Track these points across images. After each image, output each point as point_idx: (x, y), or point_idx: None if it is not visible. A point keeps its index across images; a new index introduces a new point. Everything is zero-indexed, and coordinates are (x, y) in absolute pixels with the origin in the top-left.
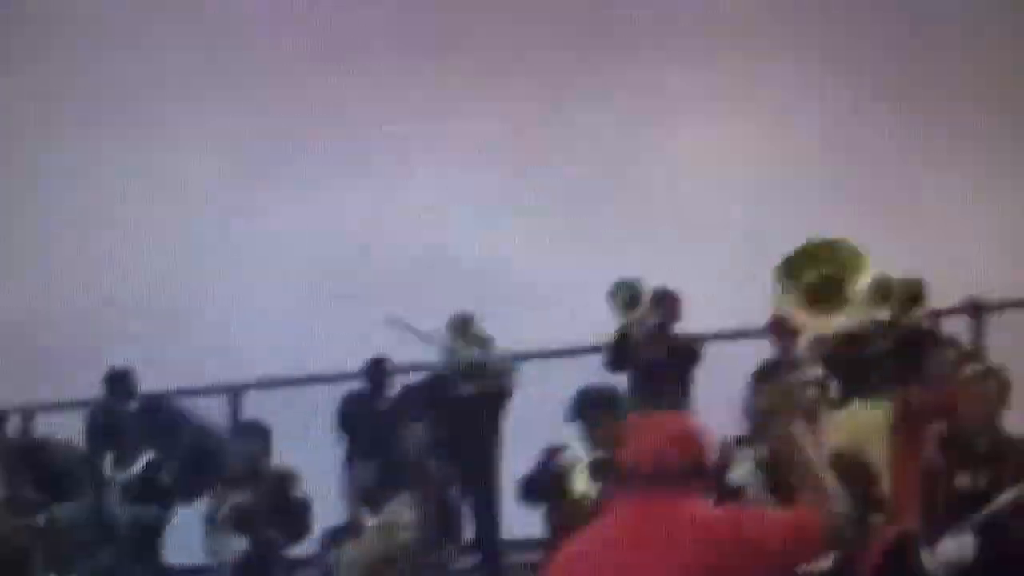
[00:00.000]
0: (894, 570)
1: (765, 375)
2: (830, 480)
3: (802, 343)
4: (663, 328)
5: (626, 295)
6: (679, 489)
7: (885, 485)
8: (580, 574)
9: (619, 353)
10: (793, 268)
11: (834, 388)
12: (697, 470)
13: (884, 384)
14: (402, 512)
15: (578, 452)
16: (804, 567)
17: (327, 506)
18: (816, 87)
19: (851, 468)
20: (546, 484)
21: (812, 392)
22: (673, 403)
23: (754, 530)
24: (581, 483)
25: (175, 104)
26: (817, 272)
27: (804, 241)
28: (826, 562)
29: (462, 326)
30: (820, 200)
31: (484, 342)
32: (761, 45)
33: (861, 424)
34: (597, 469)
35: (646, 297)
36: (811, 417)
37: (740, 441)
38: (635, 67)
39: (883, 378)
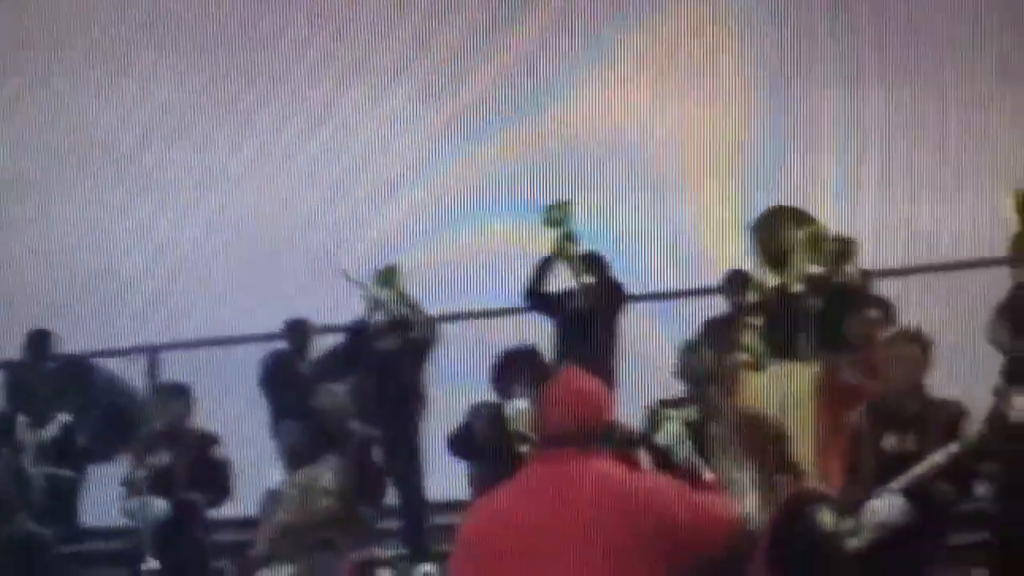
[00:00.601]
0: (792, 529)
1: (705, 335)
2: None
3: (752, 300)
4: (593, 269)
5: (556, 215)
6: (588, 448)
7: (800, 446)
8: (490, 532)
9: (540, 279)
10: (761, 229)
11: (764, 346)
12: (604, 430)
13: (812, 343)
14: (323, 474)
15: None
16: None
17: (251, 468)
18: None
19: (761, 429)
20: (472, 440)
21: (744, 351)
22: (599, 354)
23: (660, 502)
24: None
25: (101, 64)
26: (782, 234)
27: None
28: None
29: (388, 277)
30: (774, 162)
31: (407, 295)
32: None
33: (786, 384)
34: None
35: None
36: (731, 379)
37: (669, 402)
38: None
39: (811, 337)
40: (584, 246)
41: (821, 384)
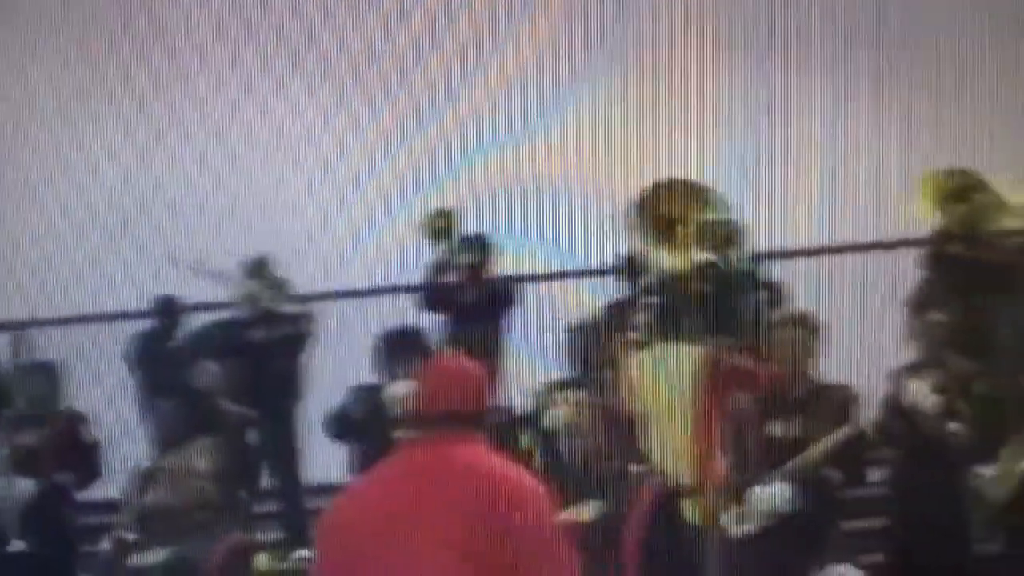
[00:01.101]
0: (660, 523)
1: (601, 318)
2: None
3: (646, 283)
4: (477, 269)
5: (439, 224)
6: (459, 434)
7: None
8: (355, 516)
9: (432, 288)
10: (645, 206)
11: (648, 328)
12: (477, 414)
13: (698, 327)
14: (195, 457)
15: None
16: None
17: (120, 449)
18: None
19: (616, 417)
20: (349, 420)
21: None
22: (488, 347)
23: (518, 499)
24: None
25: None
26: (668, 209)
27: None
28: (591, 513)
29: (258, 268)
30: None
31: (281, 284)
32: None
33: (673, 365)
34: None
35: (459, 228)
36: (618, 362)
37: (561, 385)
38: None
39: (697, 320)
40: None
41: (708, 367)
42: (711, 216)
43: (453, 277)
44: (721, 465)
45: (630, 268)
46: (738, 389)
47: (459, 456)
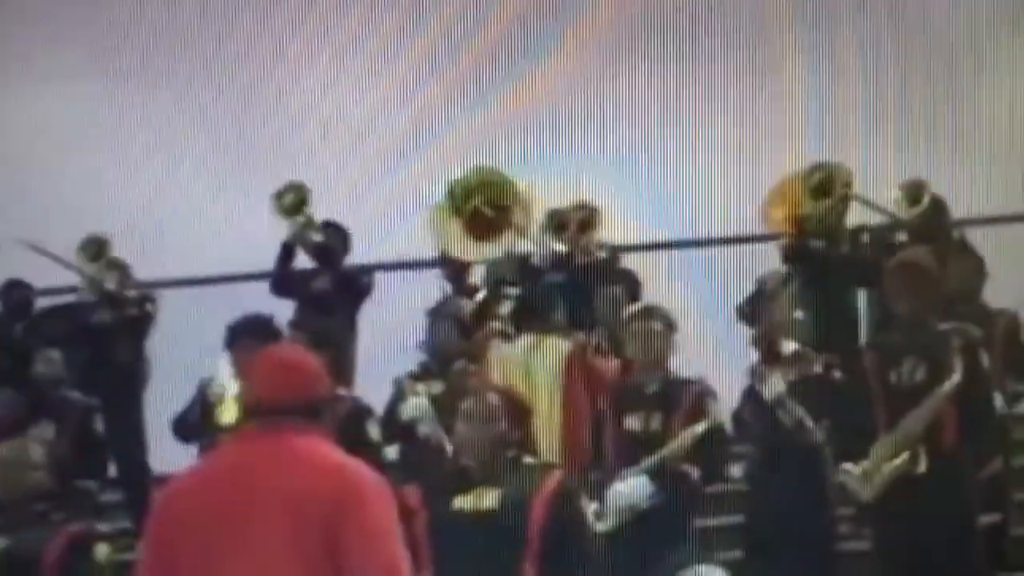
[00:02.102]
0: (557, 516)
1: (440, 310)
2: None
3: (475, 275)
4: (329, 258)
5: (291, 198)
6: (292, 425)
7: (545, 422)
8: (188, 504)
9: (283, 267)
10: (453, 199)
11: (508, 320)
12: (310, 406)
13: (558, 318)
14: (31, 447)
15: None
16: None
17: None
18: None
19: (513, 405)
20: (197, 419)
21: (491, 326)
22: (339, 336)
23: (351, 493)
24: (229, 415)
25: None
26: (476, 201)
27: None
28: (491, 502)
29: (96, 249)
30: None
31: (121, 267)
32: None
33: (534, 357)
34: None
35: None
36: (481, 354)
37: (414, 376)
38: None
39: (556, 312)
40: (322, 232)
41: (569, 360)
42: (564, 208)
43: (308, 256)
44: (584, 458)
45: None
46: (596, 385)
47: (292, 448)
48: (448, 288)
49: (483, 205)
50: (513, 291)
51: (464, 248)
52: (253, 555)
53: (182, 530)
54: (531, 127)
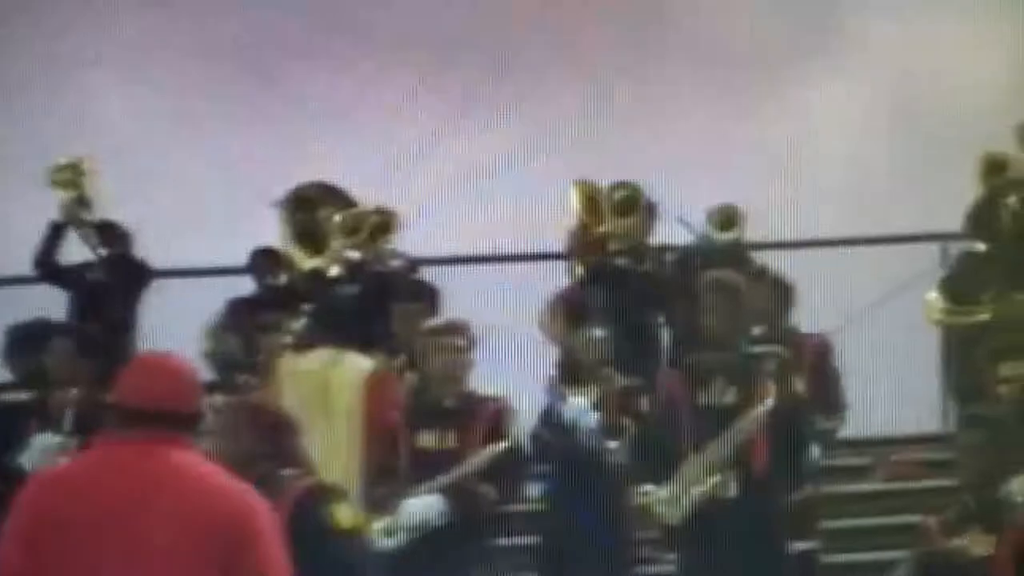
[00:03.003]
0: (303, 527)
1: (230, 318)
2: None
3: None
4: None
5: (65, 175)
6: (166, 434)
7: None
8: (57, 505)
9: (51, 247)
10: (288, 206)
11: (303, 332)
12: (189, 416)
13: (354, 331)
14: None
15: None
16: None
17: None
18: None
19: (263, 418)
20: None
21: (284, 335)
22: (116, 328)
23: (236, 509)
24: None
25: None
26: (308, 211)
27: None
28: None
29: None
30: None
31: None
32: None
33: (325, 372)
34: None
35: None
36: (267, 365)
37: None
38: None
39: (351, 324)
40: (98, 213)
41: (370, 378)
42: (359, 217)
43: (86, 239)
44: (374, 474)
45: (263, 265)
46: (389, 402)
47: (185, 463)
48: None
49: (312, 216)
50: (303, 300)
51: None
52: (142, 567)
53: (52, 526)
54: None
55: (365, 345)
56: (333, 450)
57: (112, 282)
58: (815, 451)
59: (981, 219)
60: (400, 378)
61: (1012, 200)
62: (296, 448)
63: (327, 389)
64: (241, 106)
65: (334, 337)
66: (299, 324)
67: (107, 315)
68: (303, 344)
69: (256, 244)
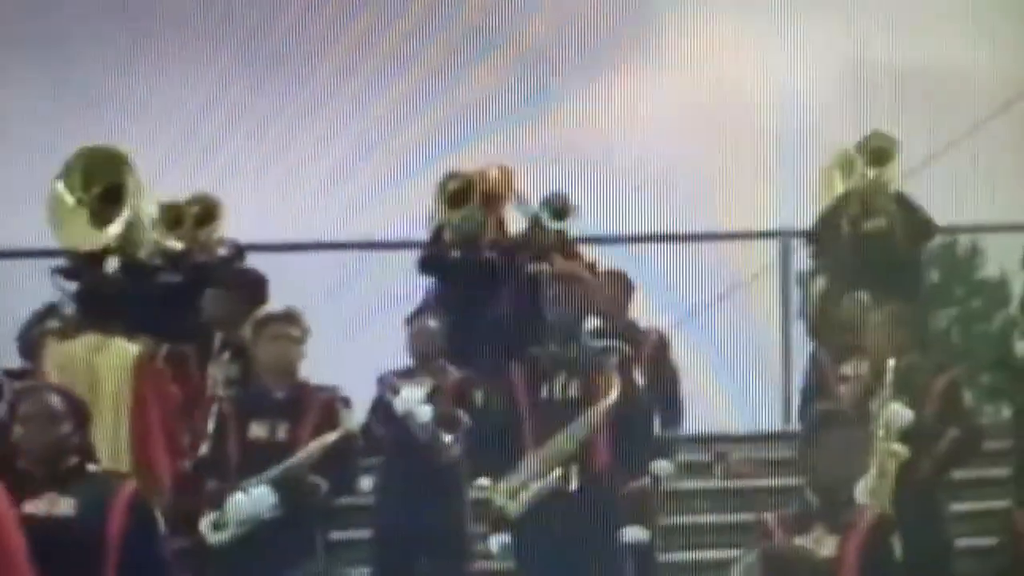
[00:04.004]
0: (136, 524)
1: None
2: None
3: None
4: None
5: None
6: None
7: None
8: None
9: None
10: (71, 176)
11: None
12: None
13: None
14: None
15: None
16: None
17: None
18: None
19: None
20: None
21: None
22: None
23: None
24: None
25: None
26: (99, 181)
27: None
28: (67, 508)
29: None
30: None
31: None
32: None
33: (98, 358)
34: None
35: None
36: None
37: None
38: None
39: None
40: None
41: (137, 365)
42: (178, 209)
43: None
44: (161, 466)
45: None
46: (165, 394)
47: None
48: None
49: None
50: (74, 287)
51: (88, 238)
52: None
53: None
54: None
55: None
56: (101, 437)
57: None
58: (665, 466)
59: (828, 223)
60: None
61: (853, 211)
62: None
63: (95, 375)
64: None
65: (102, 325)
66: (68, 310)
67: None
68: (70, 331)
69: None
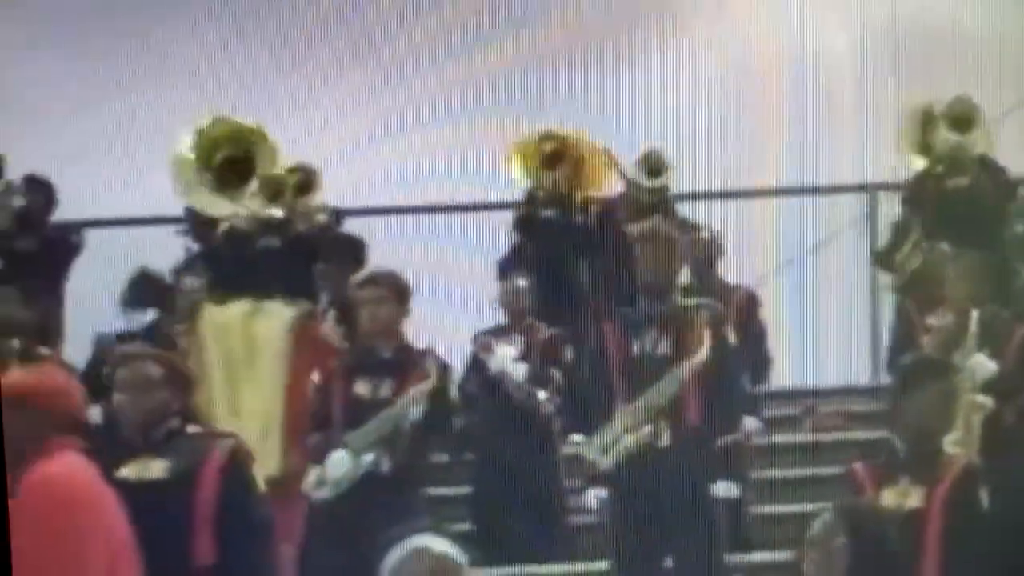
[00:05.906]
0: (228, 486)
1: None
2: None
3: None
4: (33, 215)
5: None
6: None
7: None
8: None
9: None
10: (199, 151)
11: (220, 284)
12: None
13: (276, 285)
14: None
15: None
16: None
17: None
18: None
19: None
20: None
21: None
22: (46, 299)
23: None
24: None
25: None
26: (224, 154)
27: (207, 121)
28: (159, 472)
29: None
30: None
31: None
32: None
33: (250, 323)
34: None
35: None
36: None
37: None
38: None
39: (273, 278)
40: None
41: (293, 326)
42: (278, 180)
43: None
44: (304, 427)
45: (194, 221)
46: (323, 352)
47: None
48: (193, 247)
49: (231, 157)
50: (225, 253)
51: (213, 204)
52: None
53: None
54: None
55: (289, 297)
56: (257, 399)
57: (40, 253)
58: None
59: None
60: (327, 325)
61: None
62: (204, 404)
63: (252, 338)
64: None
65: (253, 290)
66: (217, 277)
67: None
68: (219, 296)
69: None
